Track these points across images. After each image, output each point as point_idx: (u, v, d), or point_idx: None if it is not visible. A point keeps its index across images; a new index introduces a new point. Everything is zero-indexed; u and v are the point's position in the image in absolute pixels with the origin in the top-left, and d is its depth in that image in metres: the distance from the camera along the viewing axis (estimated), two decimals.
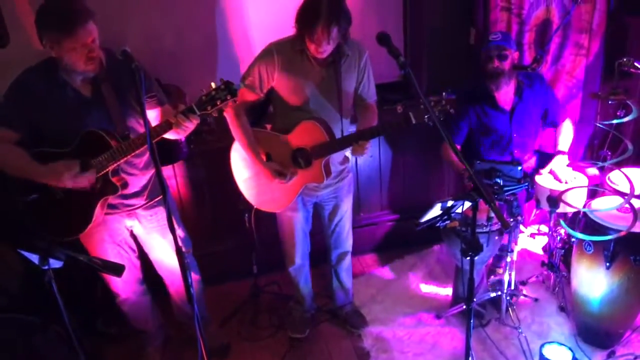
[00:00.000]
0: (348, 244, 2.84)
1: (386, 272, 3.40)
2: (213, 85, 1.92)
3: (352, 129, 2.43)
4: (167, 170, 3.05)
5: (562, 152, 2.88)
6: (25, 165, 2.08)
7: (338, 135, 2.36)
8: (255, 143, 2.42)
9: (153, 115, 2.26)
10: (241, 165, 2.55)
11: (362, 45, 2.39)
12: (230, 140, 2.48)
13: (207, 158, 3.06)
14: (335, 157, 2.50)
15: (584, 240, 2.46)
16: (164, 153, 2.55)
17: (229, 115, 2.36)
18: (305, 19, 2.13)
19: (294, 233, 2.68)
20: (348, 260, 2.89)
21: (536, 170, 2.95)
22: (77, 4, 1.92)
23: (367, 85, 2.44)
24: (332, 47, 2.20)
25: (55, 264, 1.82)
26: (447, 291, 3.12)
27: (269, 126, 2.53)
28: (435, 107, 2.01)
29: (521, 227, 3.02)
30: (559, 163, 2.84)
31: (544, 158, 3.02)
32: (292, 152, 2.39)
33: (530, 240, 3.51)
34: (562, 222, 2.62)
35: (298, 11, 2.17)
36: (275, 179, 2.40)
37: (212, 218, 3.26)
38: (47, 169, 2.06)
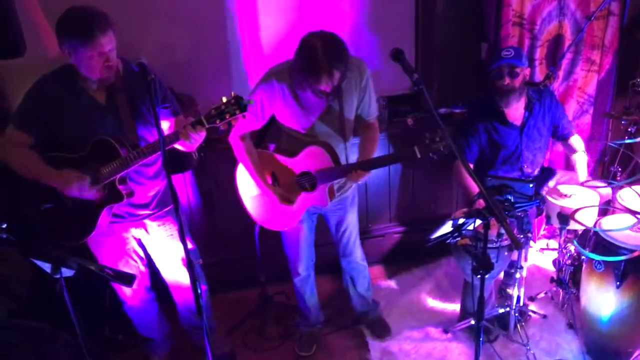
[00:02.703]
0: (358, 252, 2.82)
1: (393, 285, 3.39)
2: (224, 99, 1.93)
3: (354, 141, 2.47)
4: (177, 179, 3.06)
5: (583, 152, 2.90)
6: (38, 168, 2.12)
7: (342, 158, 2.36)
8: (261, 167, 2.43)
9: (166, 126, 2.27)
10: (247, 185, 2.56)
11: (363, 63, 2.34)
12: None
13: (217, 166, 3.07)
14: None
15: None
16: (175, 162, 2.56)
17: (233, 141, 2.37)
18: (306, 72, 2.07)
19: (298, 244, 2.68)
20: (362, 268, 2.86)
21: (539, 186, 2.94)
22: (98, 14, 1.96)
23: (367, 103, 2.41)
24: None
25: (67, 272, 1.84)
26: (454, 305, 3.10)
27: (272, 145, 2.51)
28: (439, 143, 2.00)
29: (530, 242, 2.99)
30: (582, 160, 2.86)
31: (547, 174, 3.01)
32: (298, 176, 2.41)
33: (540, 255, 3.49)
34: (575, 242, 2.59)
35: (295, 61, 2.12)
36: (283, 204, 2.43)
37: (222, 226, 3.26)
38: (59, 174, 2.10)
